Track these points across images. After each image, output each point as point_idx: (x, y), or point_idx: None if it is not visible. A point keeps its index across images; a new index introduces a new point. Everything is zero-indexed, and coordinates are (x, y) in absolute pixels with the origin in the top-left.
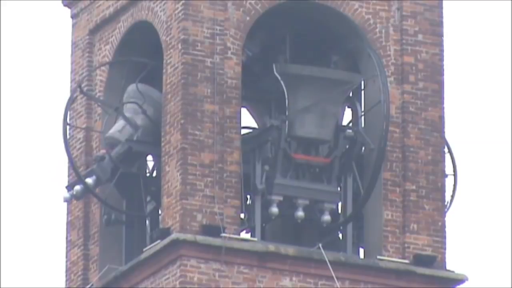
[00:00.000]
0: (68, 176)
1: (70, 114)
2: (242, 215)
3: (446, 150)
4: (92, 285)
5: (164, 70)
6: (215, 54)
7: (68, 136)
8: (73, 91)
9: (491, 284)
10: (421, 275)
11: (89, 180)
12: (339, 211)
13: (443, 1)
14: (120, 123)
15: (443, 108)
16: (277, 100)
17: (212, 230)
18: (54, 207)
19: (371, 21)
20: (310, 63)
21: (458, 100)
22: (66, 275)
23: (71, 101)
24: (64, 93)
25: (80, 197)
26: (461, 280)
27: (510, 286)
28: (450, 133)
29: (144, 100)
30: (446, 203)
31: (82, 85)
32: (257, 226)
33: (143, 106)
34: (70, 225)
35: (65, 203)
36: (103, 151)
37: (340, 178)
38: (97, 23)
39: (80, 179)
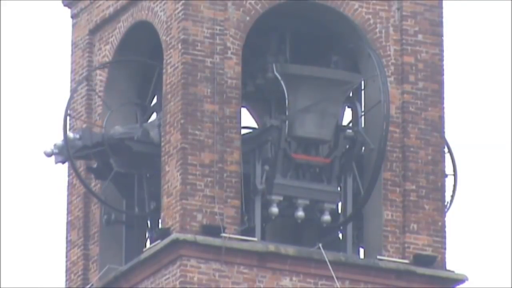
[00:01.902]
0: (68, 176)
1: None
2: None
3: (446, 150)
4: (92, 285)
5: (164, 70)
6: (215, 54)
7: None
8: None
9: (491, 284)
10: (421, 275)
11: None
12: (339, 211)
13: (443, 1)
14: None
15: (443, 108)
16: (277, 100)
17: (212, 230)
18: (54, 207)
19: (371, 21)
20: (310, 63)
21: (458, 100)
22: (66, 275)
23: (70, 105)
24: (64, 93)
25: (59, 152)
26: (461, 280)
27: (510, 286)
28: (450, 133)
29: None
30: (446, 203)
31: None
32: (257, 226)
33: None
34: (70, 225)
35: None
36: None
37: (340, 178)
38: (97, 23)
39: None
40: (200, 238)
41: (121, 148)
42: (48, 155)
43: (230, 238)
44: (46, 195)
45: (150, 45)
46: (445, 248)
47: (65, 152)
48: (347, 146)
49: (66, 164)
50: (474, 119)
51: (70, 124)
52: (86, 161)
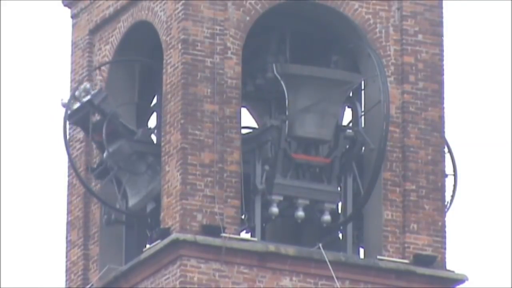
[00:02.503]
0: (68, 176)
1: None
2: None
3: (446, 150)
4: (92, 285)
5: (164, 70)
6: (215, 54)
7: (68, 136)
8: (73, 90)
9: (491, 284)
10: (421, 275)
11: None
12: (339, 211)
13: (443, 1)
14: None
15: (443, 108)
16: (277, 100)
17: (212, 230)
18: (54, 207)
19: (371, 21)
20: (310, 63)
21: (458, 100)
22: (66, 275)
23: (71, 104)
24: (64, 93)
25: (74, 98)
26: (461, 280)
27: (510, 286)
28: (450, 133)
29: None
30: (446, 203)
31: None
32: (257, 226)
33: None
34: (70, 225)
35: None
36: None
37: (340, 178)
38: (97, 23)
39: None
40: (200, 238)
41: (117, 135)
42: (66, 106)
43: (230, 238)
44: (46, 195)
45: (150, 45)
46: (445, 248)
47: (70, 100)
48: (347, 146)
49: (65, 165)
50: (474, 119)
51: (70, 127)
52: (86, 160)
